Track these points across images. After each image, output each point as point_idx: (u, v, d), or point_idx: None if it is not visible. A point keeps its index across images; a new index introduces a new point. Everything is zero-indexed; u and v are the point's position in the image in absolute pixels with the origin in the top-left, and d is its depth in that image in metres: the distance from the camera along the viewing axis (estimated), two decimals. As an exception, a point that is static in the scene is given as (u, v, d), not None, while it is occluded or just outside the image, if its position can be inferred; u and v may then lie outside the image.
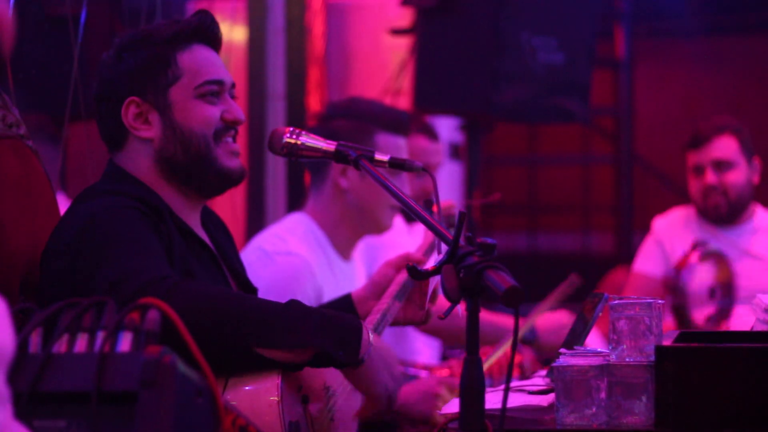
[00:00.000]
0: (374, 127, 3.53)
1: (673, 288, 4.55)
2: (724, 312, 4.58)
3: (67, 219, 2.50)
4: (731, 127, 4.66)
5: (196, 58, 2.60)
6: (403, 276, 2.91)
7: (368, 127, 3.53)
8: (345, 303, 3.03)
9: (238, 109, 2.63)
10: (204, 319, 2.24)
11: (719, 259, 4.58)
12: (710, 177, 4.61)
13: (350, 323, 2.37)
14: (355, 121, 3.54)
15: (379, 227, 3.61)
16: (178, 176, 2.58)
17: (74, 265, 2.39)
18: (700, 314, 4.56)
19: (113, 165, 2.61)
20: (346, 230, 3.60)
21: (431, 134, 4.57)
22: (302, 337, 2.28)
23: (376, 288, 2.98)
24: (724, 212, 4.65)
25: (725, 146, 4.63)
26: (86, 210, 2.45)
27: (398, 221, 4.36)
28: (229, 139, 2.61)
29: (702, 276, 4.56)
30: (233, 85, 2.66)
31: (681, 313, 4.52)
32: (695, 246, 4.58)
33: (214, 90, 2.59)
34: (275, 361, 2.29)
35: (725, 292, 4.58)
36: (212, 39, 2.65)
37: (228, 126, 2.60)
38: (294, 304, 2.34)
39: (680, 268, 4.55)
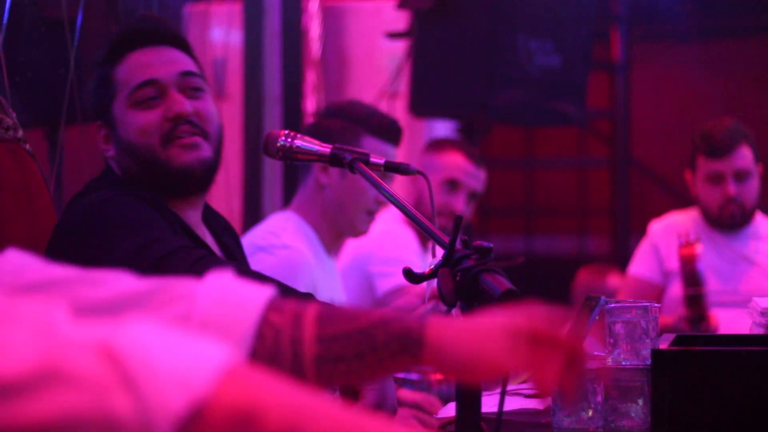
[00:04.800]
0: (362, 130, 3.56)
1: (694, 279, 4.45)
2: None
3: (70, 210, 2.47)
4: (745, 134, 4.63)
5: (129, 66, 2.53)
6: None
7: (356, 128, 3.56)
8: None
9: (179, 102, 2.50)
10: None
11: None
12: (732, 188, 4.56)
13: None
14: (345, 122, 3.57)
15: (353, 230, 3.63)
16: (147, 187, 2.52)
17: (85, 243, 2.35)
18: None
19: (109, 167, 2.61)
20: (328, 228, 3.63)
21: (473, 157, 4.54)
22: None
23: None
24: (738, 221, 4.63)
25: (745, 156, 4.59)
26: (91, 199, 2.43)
27: (412, 239, 4.38)
28: (183, 134, 2.51)
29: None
30: (185, 74, 2.54)
31: (698, 302, 4.43)
32: (695, 240, 4.53)
33: (149, 93, 2.51)
34: None
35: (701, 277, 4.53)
36: (153, 38, 2.55)
37: (177, 123, 2.50)
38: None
39: (693, 261, 4.49)
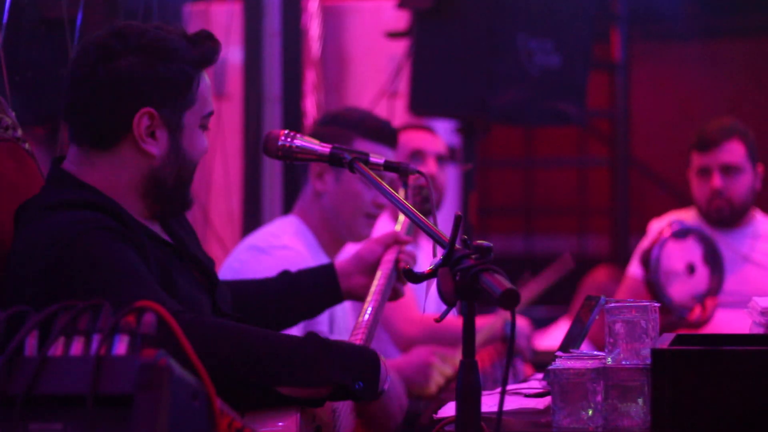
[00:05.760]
0: (353, 134, 3.58)
1: (645, 262, 4.54)
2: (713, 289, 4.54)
3: (30, 239, 2.36)
4: (739, 131, 4.64)
5: (207, 85, 2.53)
6: (386, 268, 2.88)
7: (348, 133, 3.57)
8: (327, 273, 2.98)
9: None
10: (223, 357, 2.22)
11: (701, 236, 4.56)
12: (717, 181, 4.59)
13: (369, 356, 2.35)
14: (338, 128, 3.59)
15: (354, 234, 3.62)
16: (158, 196, 2.49)
17: (57, 290, 2.27)
18: (678, 291, 4.53)
19: (60, 171, 2.48)
20: (328, 234, 3.64)
21: (425, 128, 4.66)
22: (322, 374, 2.26)
23: (361, 263, 2.95)
24: (726, 216, 4.64)
25: (734, 151, 4.61)
26: (53, 230, 2.33)
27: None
28: None
29: (677, 253, 4.55)
30: None
31: (652, 288, 4.50)
32: (671, 224, 4.59)
33: (208, 123, 2.56)
34: (293, 398, 2.26)
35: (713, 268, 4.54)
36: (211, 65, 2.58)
37: None
38: (312, 338, 2.31)
39: (653, 243, 4.55)
